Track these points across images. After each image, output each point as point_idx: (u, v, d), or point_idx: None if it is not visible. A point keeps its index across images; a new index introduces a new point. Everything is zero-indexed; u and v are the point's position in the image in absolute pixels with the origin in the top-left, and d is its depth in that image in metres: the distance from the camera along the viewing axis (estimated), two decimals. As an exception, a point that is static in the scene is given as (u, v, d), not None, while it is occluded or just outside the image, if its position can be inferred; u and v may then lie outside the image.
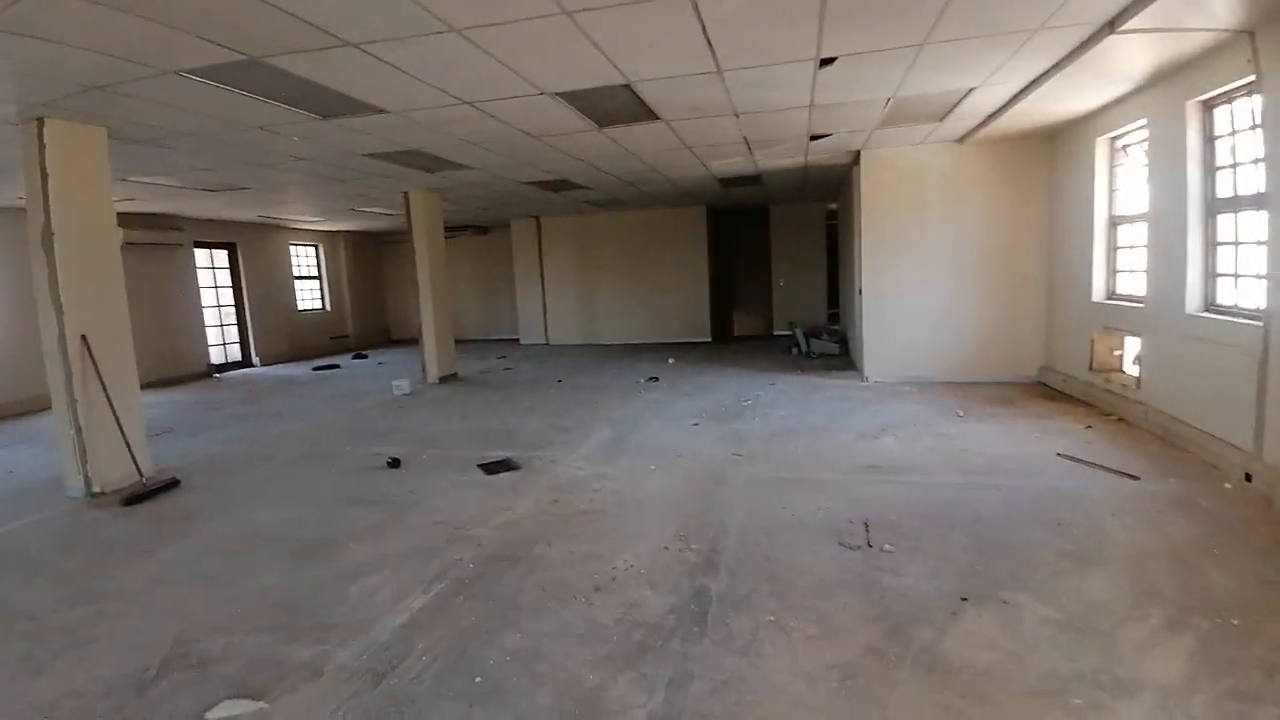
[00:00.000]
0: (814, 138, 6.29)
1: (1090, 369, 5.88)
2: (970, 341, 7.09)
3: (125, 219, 9.51)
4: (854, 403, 6.38)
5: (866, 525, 3.50)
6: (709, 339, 12.20)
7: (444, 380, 8.85)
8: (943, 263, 7.05)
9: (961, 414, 5.71)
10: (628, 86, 4.40)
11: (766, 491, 4.05)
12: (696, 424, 5.83)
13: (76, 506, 4.40)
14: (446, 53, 3.60)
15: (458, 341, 13.43)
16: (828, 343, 9.79)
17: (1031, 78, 4.56)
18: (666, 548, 3.33)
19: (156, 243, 9.88)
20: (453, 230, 13.57)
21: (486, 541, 3.53)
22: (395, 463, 5.04)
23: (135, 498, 4.52)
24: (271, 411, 7.46)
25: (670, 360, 9.76)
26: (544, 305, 12.98)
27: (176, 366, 10.20)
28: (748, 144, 6.42)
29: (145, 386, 9.81)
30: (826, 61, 4.04)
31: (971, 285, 7.03)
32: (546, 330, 13.03)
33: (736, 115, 5.29)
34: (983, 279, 6.99)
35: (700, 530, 3.52)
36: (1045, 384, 6.82)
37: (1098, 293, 5.86)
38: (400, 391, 8.03)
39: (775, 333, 12.77)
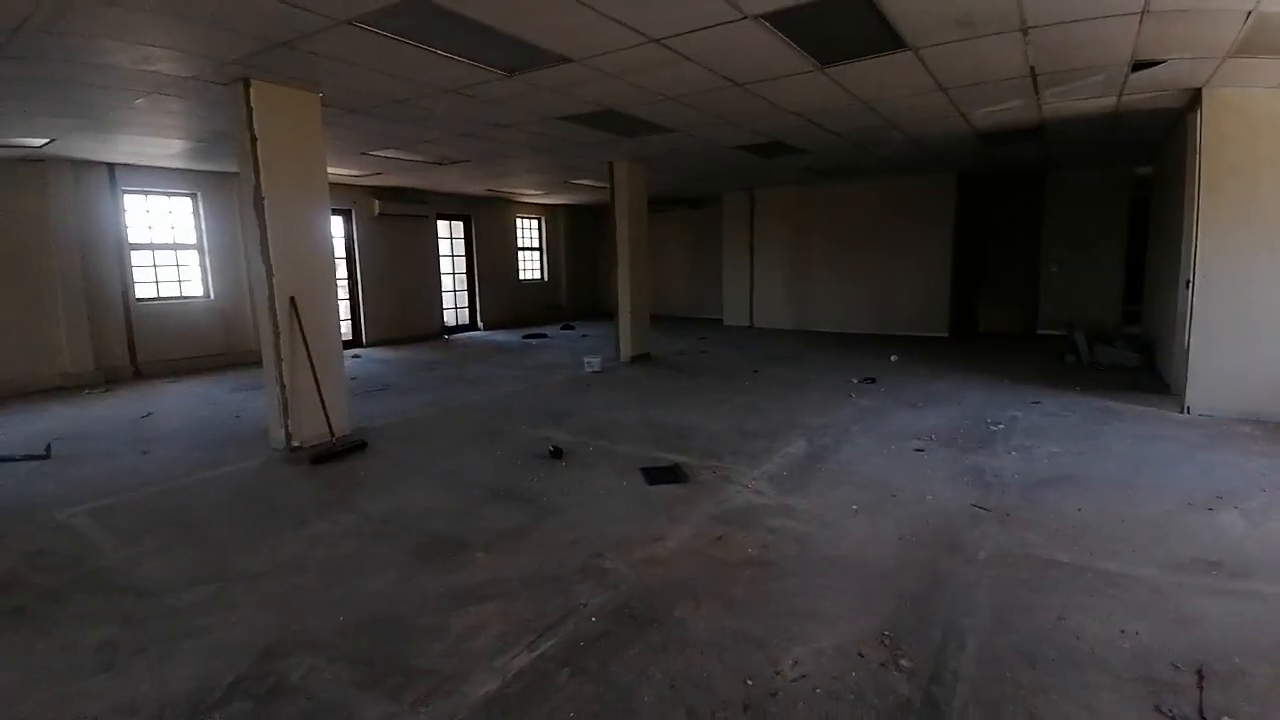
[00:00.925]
0: (1138, 66, 4.41)
1: None
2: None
3: (379, 192, 10.65)
4: (1168, 445, 4.46)
5: (1200, 676, 2.09)
6: (946, 335, 10.19)
7: (635, 360, 8.40)
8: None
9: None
10: (862, -7, 3.24)
11: (1030, 581, 2.73)
12: (921, 449, 4.49)
13: (272, 460, 4.63)
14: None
15: (659, 319, 13.09)
16: (1123, 351, 7.39)
17: None
18: (862, 653, 2.28)
19: (406, 214, 10.87)
20: (663, 204, 13.17)
21: (623, 582, 2.80)
22: (558, 452, 4.57)
23: (322, 457, 4.63)
24: (470, 378, 7.64)
25: (893, 357, 8.19)
26: (751, 284, 11.98)
27: (416, 326, 11.23)
28: (1034, 79, 4.73)
29: (387, 343, 11.18)
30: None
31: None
32: (752, 312, 12.03)
33: (1025, 31, 3.77)
34: None
35: (918, 631, 2.40)
36: None
37: None
38: (590, 368, 7.74)
39: (1040, 332, 10.26)
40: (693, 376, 7.38)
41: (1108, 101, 5.47)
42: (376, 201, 10.34)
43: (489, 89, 4.79)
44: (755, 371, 7.57)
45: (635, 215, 8.29)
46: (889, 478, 3.95)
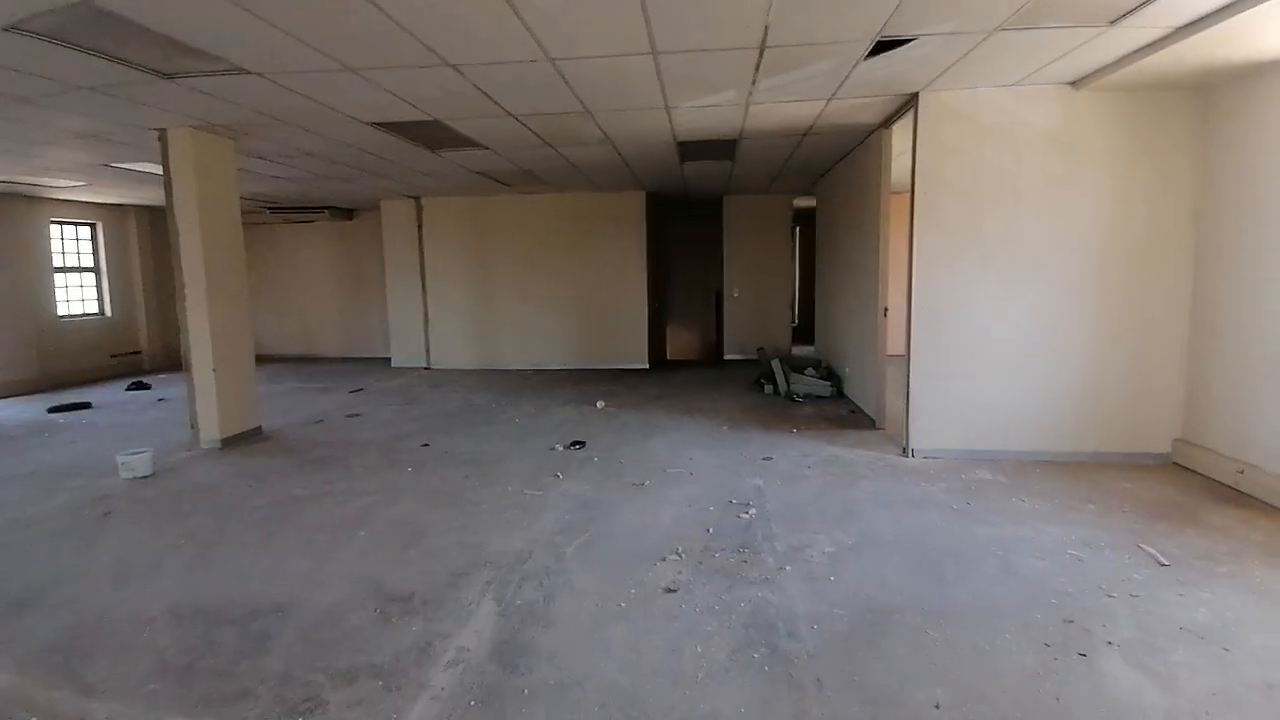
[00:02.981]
0: (880, 47, 3.56)
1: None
2: (1072, 396, 4.60)
3: None
4: (930, 516, 3.68)
5: None
6: (646, 365, 9.33)
7: (230, 443, 5.43)
8: (1038, 273, 4.54)
9: (1165, 561, 3.12)
10: None
11: None
12: (673, 589, 2.89)
13: None
14: None
15: (306, 363, 9.89)
16: (814, 380, 7.16)
17: None
18: None
19: None
20: (296, 210, 10.04)
21: None
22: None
23: None
24: None
25: (600, 403, 6.80)
26: (426, 316, 9.65)
27: None
28: (760, 59, 3.60)
29: None
30: None
31: (1079, 310, 4.55)
32: (429, 350, 9.69)
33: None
34: (1096, 301, 4.52)
35: None
36: (1184, 466, 4.44)
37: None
38: (130, 473, 4.58)
39: (727, 357, 10.10)
40: (321, 469, 4.83)
41: (812, 109, 4.76)
42: None
43: None
44: (425, 446, 5.37)
45: (216, 211, 5.35)
46: (641, 684, 2.22)
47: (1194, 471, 4.36)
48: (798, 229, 12.14)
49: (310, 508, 3.98)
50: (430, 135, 5.36)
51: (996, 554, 3.17)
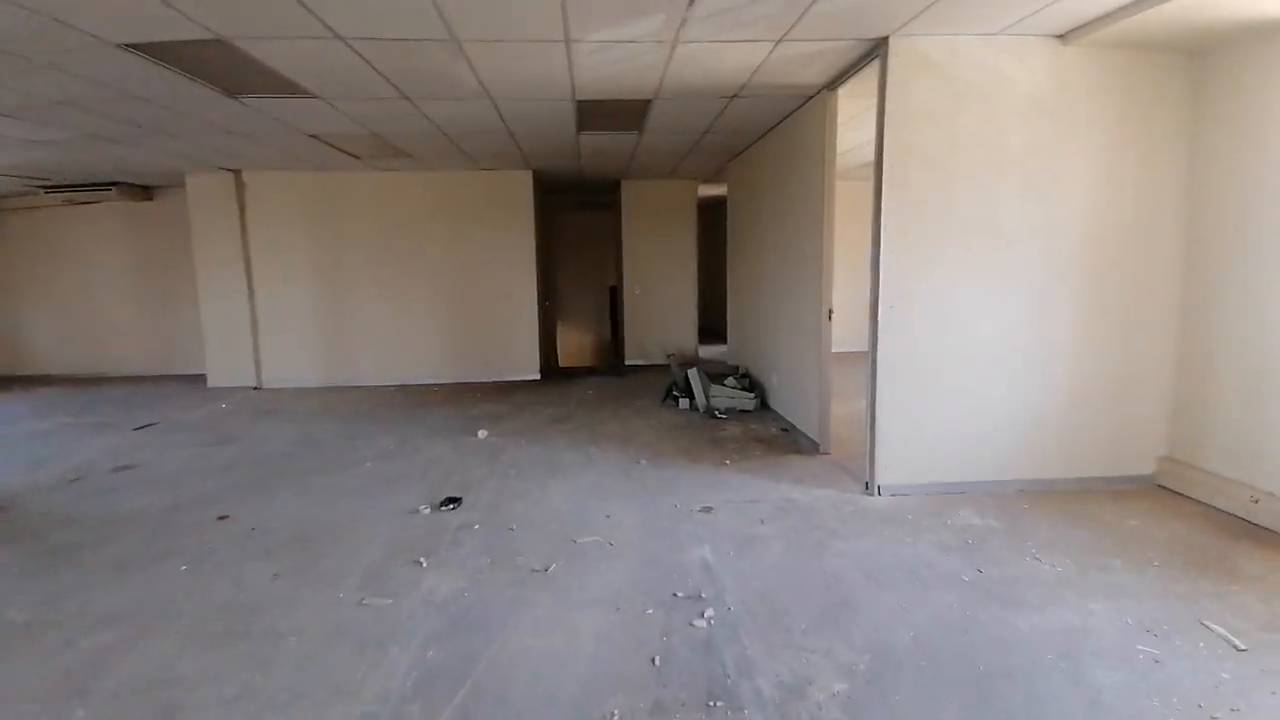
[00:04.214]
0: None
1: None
2: (1055, 412, 3.89)
3: None
4: (945, 594, 2.73)
5: None
6: (538, 376, 7.99)
7: (-104, 531, 3.52)
8: (1020, 265, 3.76)
9: (1241, 644, 2.34)
10: None
11: None
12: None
13: None
14: None
15: (99, 383, 7.69)
16: (737, 391, 6.19)
17: None
18: None
19: None
20: (87, 188, 7.75)
21: None
22: None
23: None
24: None
25: (482, 433, 5.39)
26: (254, 321, 7.69)
27: None
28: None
29: None
30: None
31: (1065, 307, 3.83)
32: (258, 364, 7.73)
33: None
34: (1083, 297, 3.82)
35: None
36: (1168, 489, 3.86)
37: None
38: None
39: (628, 362, 8.99)
40: (55, 569, 3.10)
41: (753, 56, 3.69)
42: None
43: None
44: (222, 518, 3.74)
45: None
46: None
47: (1184, 496, 3.78)
48: (708, 219, 11.27)
49: (20, 652, 2.36)
50: (221, 68, 3.71)
51: (1061, 667, 2.24)
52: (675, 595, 2.72)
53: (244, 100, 4.41)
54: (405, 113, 4.76)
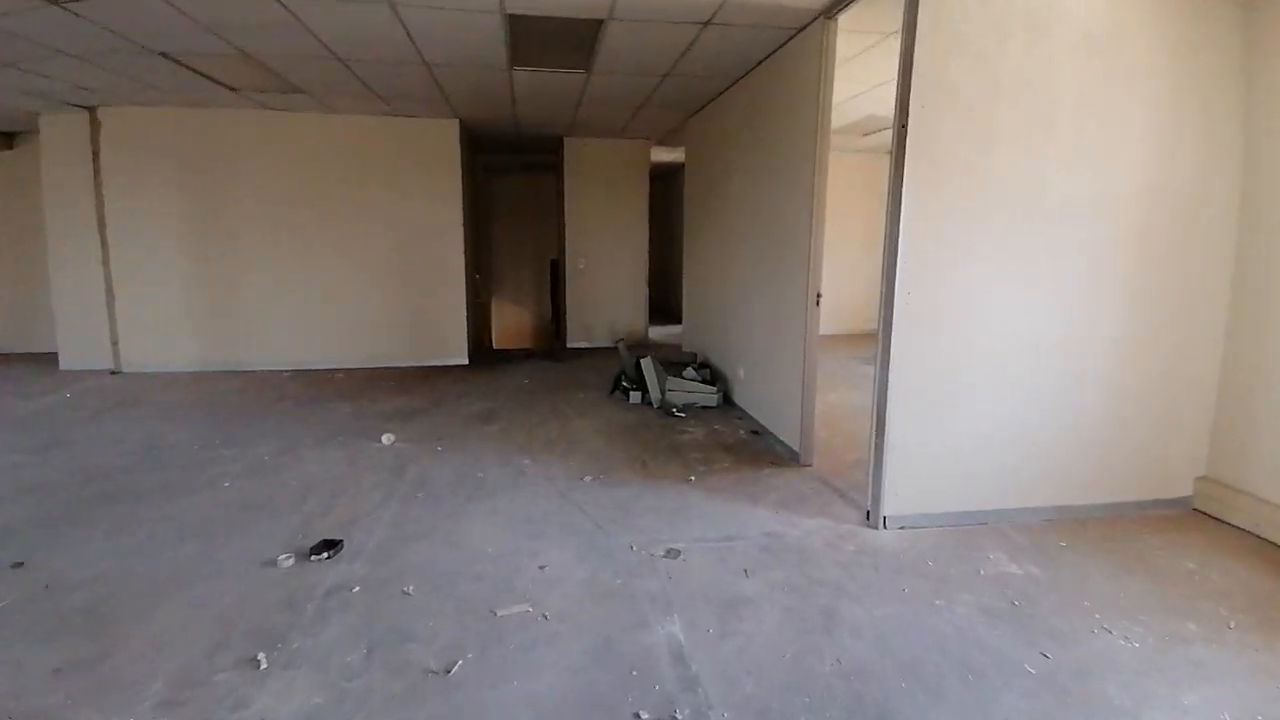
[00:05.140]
0: None
1: None
2: (1091, 425, 3.21)
3: None
4: (1013, 695, 1.97)
5: None
6: (466, 361, 6.93)
7: None
8: (1068, 244, 3.02)
9: None
10: None
11: None
12: None
13: None
14: None
15: None
16: (697, 385, 5.35)
17: None
18: None
19: None
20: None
21: None
22: None
23: None
24: None
25: (387, 438, 4.34)
26: (109, 288, 6.28)
27: None
28: None
29: None
30: None
31: (1110, 297, 3.13)
32: (117, 345, 6.34)
33: None
34: (1131, 285, 3.13)
35: None
36: (1207, 514, 3.27)
37: None
38: None
39: (571, 345, 8.03)
40: None
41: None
42: None
43: None
44: (17, 565, 2.62)
45: None
46: None
47: (1227, 524, 3.18)
48: (663, 186, 10.30)
49: None
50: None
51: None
52: (638, 717, 1.85)
53: (66, 6, 3.16)
54: (276, 20, 3.59)
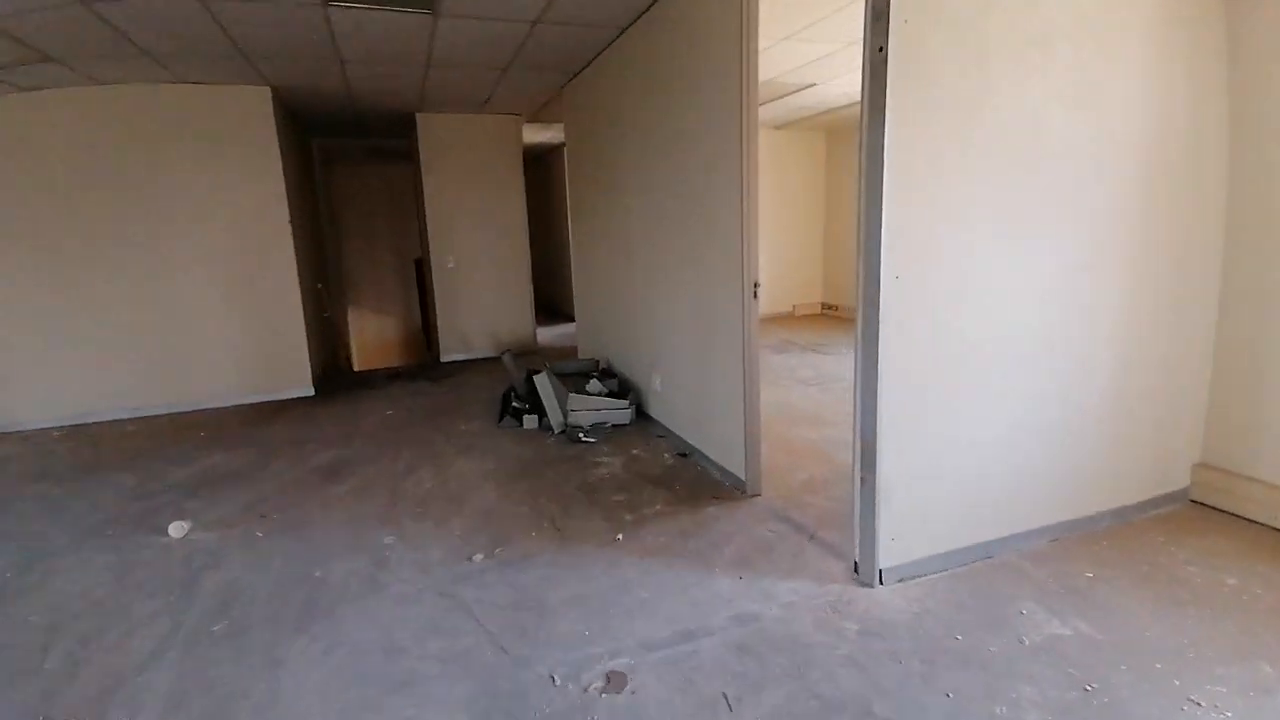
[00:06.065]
0: None
1: None
2: (1095, 422, 2.68)
3: None
4: None
5: None
6: (311, 391, 5.56)
7: None
8: (1071, 200, 2.42)
9: None
10: None
11: None
12: None
13: None
14: None
15: None
16: (607, 401, 4.45)
17: None
18: None
19: None
20: None
21: None
22: None
23: None
24: None
25: (176, 528, 3.05)
26: None
27: None
28: None
29: None
30: None
31: (1113, 268, 2.58)
32: None
33: None
34: (1134, 253, 2.60)
35: None
36: (1210, 506, 2.88)
37: None
38: None
39: (446, 359, 6.84)
40: None
41: None
42: None
43: None
44: None
45: None
46: None
47: (1233, 515, 2.79)
48: (538, 172, 9.18)
49: None
50: None
51: None
52: None
53: None
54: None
